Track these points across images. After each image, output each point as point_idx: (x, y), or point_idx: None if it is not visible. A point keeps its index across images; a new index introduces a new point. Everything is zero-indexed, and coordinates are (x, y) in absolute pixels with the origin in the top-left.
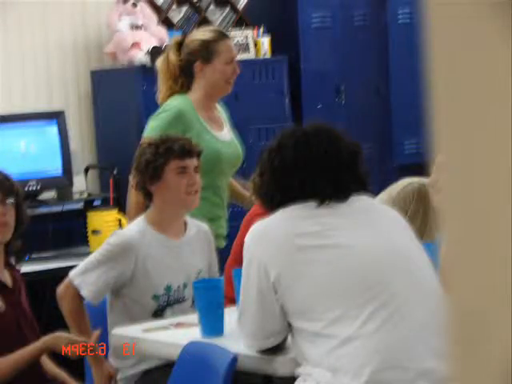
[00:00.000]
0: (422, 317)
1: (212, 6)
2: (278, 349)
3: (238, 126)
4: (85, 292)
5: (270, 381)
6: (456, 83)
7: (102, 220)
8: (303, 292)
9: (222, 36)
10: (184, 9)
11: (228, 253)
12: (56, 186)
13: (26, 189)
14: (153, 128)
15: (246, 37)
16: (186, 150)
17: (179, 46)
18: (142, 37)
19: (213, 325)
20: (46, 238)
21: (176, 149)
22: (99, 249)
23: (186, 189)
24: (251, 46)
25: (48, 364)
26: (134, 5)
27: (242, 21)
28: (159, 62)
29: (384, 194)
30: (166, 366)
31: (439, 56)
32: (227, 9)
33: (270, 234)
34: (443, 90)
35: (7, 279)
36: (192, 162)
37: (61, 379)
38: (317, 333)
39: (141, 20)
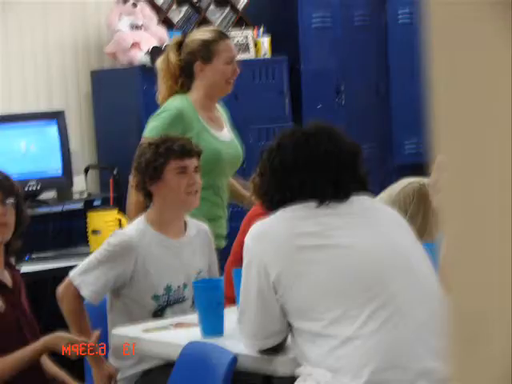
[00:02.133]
0: (422, 317)
1: (212, 6)
2: (278, 349)
3: (238, 126)
4: (85, 292)
5: (270, 381)
6: (456, 83)
7: (102, 220)
8: (303, 292)
9: (221, 36)
10: (184, 9)
11: (228, 253)
12: (56, 186)
13: (26, 189)
14: (153, 128)
15: (246, 37)
16: (186, 150)
17: (179, 46)
18: (142, 37)
19: (213, 325)
20: (45, 238)
21: (176, 149)
22: (99, 249)
23: (186, 189)
24: (251, 46)
25: (48, 364)
26: (134, 5)
27: (241, 21)
28: (159, 62)
29: (384, 194)
30: (166, 366)
31: (439, 56)
32: (227, 9)
33: (270, 234)
34: (443, 89)
35: (7, 279)
36: (192, 162)
37: (61, 379)
38: (317, 333)
39: (141, 20)
